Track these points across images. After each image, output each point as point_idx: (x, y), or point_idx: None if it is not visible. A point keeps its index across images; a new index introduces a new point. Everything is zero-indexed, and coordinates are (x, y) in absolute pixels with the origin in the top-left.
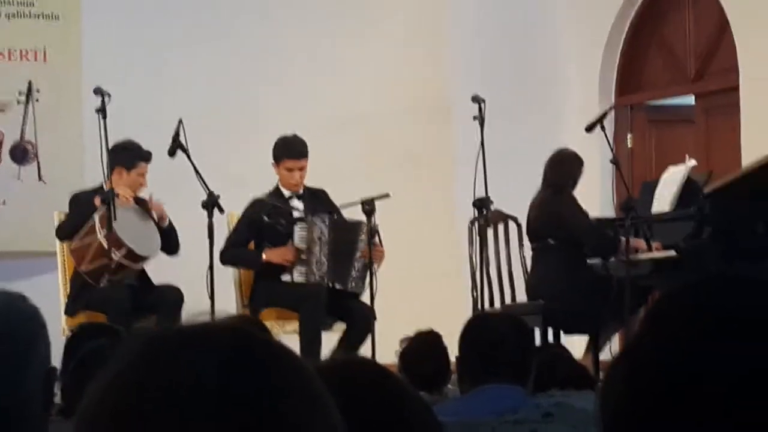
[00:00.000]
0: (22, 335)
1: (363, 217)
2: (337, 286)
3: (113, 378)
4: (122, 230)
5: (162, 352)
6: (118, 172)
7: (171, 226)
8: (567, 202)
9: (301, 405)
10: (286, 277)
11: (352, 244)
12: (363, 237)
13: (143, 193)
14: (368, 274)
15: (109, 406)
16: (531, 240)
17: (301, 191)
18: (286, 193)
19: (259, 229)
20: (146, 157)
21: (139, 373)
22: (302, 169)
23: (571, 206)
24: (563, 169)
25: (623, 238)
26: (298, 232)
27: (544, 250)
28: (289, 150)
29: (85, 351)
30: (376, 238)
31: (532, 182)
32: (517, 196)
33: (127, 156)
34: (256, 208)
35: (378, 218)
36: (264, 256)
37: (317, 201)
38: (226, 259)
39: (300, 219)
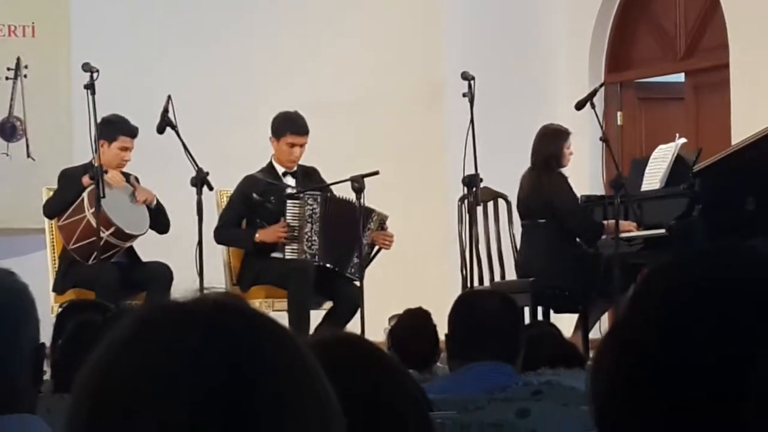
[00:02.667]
0: (10, 312)
1: (352, 195)
2: (329, 266)
3: (102, 355)
4: (111, 208)
5: (147, 328)
6: (101, 144)
7: (159, 206)
8: (555, 183)
9: (287, 378)
10: (276, 253)
11: (355, 228)
12: (373, 226)
13: (127, 170)
14: (368, 261)
15: (96, 383)
16: (521, 217)
17: (294, 168)
18: (280, 170)
19: (251, 206)
20: (129, 131)
21: (125, 350)
22: (302, 145)
23: (559, 188)
24: (542, 144)
25: (609, 221)
26: (290, 209)
27: (533, 228)
28: (294, 125)
29: (74, 326)
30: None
31: (522, 160)
32: (506, 174)
33: (109, 129)
34: (248, 184)
35: (368, 196)
36: (257, 236)
37: (309, 179)
38: (219, 238)
39: (292, 196)
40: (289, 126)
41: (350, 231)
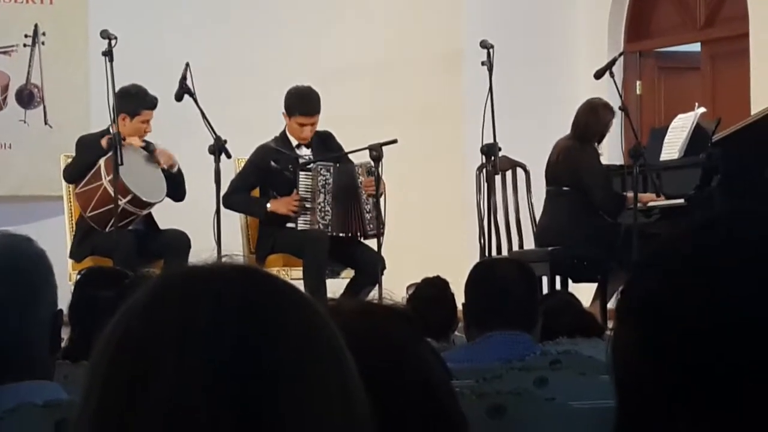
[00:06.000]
0: (28, 278)
1: (371, 163)
2: (341, 234)
3: (119, 320)
4: (128, 176)
5: (164, 292)
6: (122, 118)
7: (179, 172)
8: (586, 155)
9: (306, 344)
10: (291, 223)
11: (353, 189)
12: (362, 179)
13: (148, 139)
14: (378, 211)
15: (113, 347)
16: (547, 183)
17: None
18: (293, 140)
19: (266, 175)
20: (150, 104)
21: (142, 314)
22: (313, 124)
23: (590, 160)
24: (593, 118)
25: (629, 194)
26: (303, 180)
27: (557, 195)
28: (302, 106)
29: (94, 298)
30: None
31: (541, 129)
32: (525, 143)
33: (131, 103)
34: (261, 154)
35: (386, 164)
36: (269, 206)
37: (324, 145)
38: (229, 203)
39: (304, 167)
40: (298, 106)
41: (355, 194)
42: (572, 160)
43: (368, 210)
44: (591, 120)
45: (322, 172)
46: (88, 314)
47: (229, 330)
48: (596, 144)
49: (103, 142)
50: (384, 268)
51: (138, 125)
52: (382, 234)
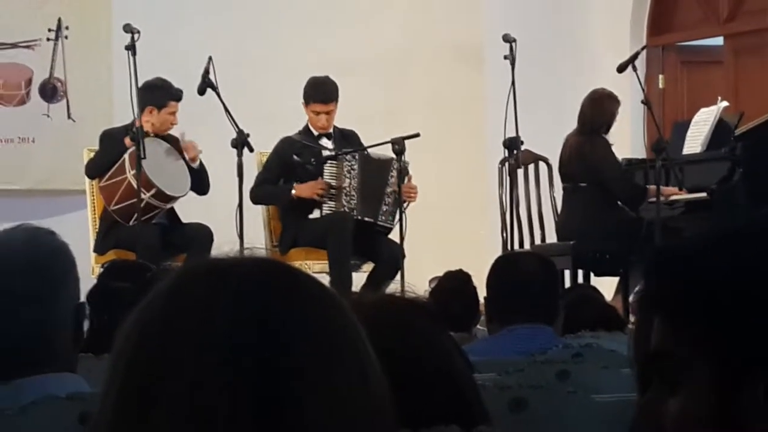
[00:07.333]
0: (51, 270)
1: (393, 156)
2: (367, 219)
3: (142, 309)
4: (152, 170)
5: (186, 283)
6: (149, 110)
7: (201, 167)
8: (599, 148)
9: (325, 337)
10: (314, 215)
11: (382, 179)
12: (394, 173)
13: (174, 131)
14: (399, 210)
15: (135, 337)
16: (562, 180)
17: (331, 131)
18: (316, 132)
19: (289, 167)
20: (177, 95)
21: (164, 304)
22: (329, 113)
23: (603, 153)
24: (597, 109)
25: (652, 186)
26: (328, 169)
27: (574, 191)
28: (317, 93)
29: (116, 291)
30: (407, 178)
31: (563, 123)
32: (547, 137)
33: (157, 95)
34: (285, 146)
35: (408, 158)
36: (294, 192)
37: (347, 142)
38: (256, 196)
39: (330, 157)
40: (313, 94)
41: (382, 184)
42: (585, 156)
43: (386, 203)
44: (596, 112)
45: (347, 158)
46: (110, 307)
47: (249, 323)
48: (604, 134)
49: (127, 141)
50: (404, 257)
51: (165, 117)
52: (390, 230)
